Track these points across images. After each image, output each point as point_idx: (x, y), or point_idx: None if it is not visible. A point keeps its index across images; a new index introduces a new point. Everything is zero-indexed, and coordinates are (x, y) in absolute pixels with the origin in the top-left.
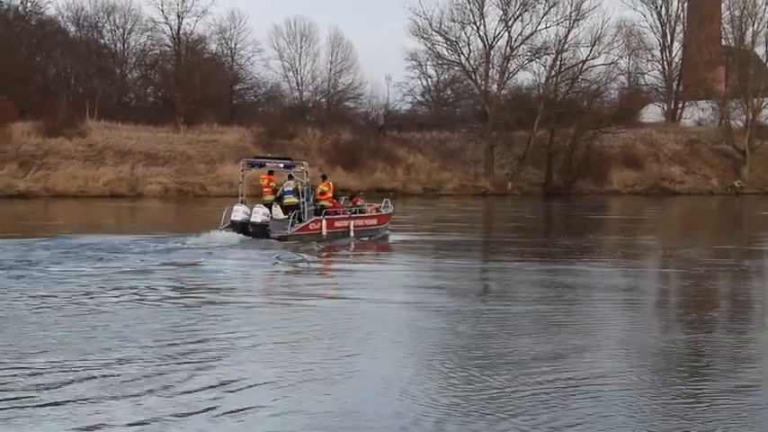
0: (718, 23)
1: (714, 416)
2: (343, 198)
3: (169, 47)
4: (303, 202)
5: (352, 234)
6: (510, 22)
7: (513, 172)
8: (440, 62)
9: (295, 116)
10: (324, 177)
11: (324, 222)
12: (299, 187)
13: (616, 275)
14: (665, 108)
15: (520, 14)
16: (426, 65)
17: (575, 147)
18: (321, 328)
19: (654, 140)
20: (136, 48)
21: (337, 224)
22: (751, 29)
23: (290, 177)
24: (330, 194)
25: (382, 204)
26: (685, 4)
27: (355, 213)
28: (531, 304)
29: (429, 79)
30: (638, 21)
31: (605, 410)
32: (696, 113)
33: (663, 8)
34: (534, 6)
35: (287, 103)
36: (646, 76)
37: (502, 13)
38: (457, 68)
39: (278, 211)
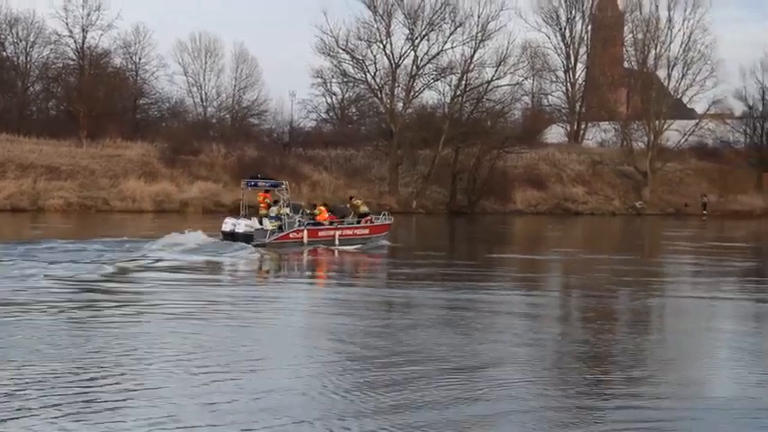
0: (620, 46)
1: None
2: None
3: (73, 60)
4: (285, 216)
5: (337, 243)
6: (416, 42)
7: (418, 190)
8: (345, 80)
9: (199, 132)
10: (325, 205)
11: (305, 232)
12: (281, 211)
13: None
14: (569, 129)
15: (426, 34)
16: (332, 82)
17: (479, 166)
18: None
19: (557, 161)
20: (38, 61)
21: (321, 234)
22: (653, 52)
23: (275, 203)
24: (325, 215)
25: (381, 216)
26: (589, 27)
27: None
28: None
29: (334, 96)
30: (542, 42)
31: None
32: (599, 135)
33: (567, 30)
34: (440, 26)
35: (191, 119)
36: (549, 96)
37: (408, 32)
38: (362, 86)
39: (267, 223)
